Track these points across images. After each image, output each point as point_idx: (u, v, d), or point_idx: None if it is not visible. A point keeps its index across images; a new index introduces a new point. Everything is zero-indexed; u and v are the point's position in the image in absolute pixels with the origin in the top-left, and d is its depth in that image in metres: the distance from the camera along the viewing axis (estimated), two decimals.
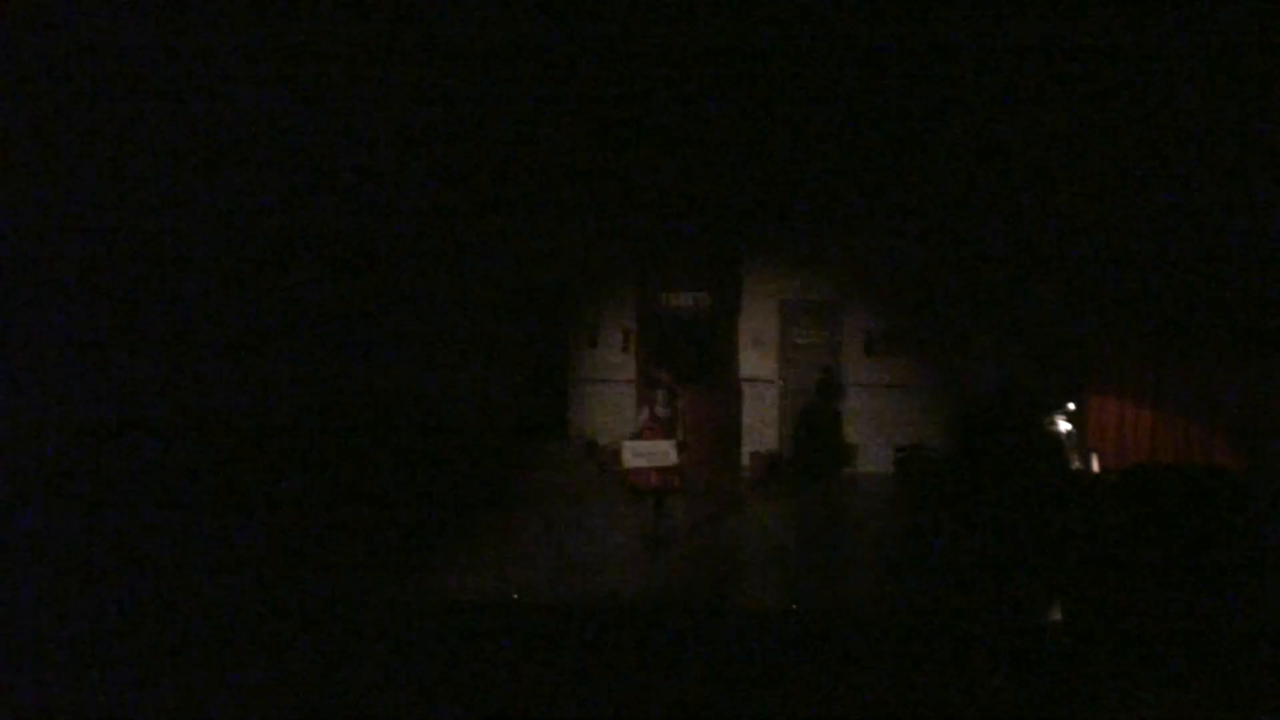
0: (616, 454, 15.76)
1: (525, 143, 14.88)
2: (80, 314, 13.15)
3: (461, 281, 16.04)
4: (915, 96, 14.20)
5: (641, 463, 13.31)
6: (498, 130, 14.76)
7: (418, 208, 15.14)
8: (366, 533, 14.01)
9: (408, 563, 13.04)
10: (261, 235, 14.68)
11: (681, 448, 13.40)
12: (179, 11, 12.89)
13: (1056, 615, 11.67)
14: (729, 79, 14.29)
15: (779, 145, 14.73)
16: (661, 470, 13.30)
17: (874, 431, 16.08)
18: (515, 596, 12.12)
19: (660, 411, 13.39)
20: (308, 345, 15.79)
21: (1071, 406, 14.26)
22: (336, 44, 13.61)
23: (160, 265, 13.90)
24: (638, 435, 13.45)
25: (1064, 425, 14.07)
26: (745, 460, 16.41)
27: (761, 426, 16.46)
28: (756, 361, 16.42)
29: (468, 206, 15.27)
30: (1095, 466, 14.38)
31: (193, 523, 14.13)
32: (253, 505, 14.65)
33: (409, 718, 9.91)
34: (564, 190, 15.19)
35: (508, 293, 16.20)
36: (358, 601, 11.97)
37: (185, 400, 14.40)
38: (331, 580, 12.48)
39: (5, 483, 12.27)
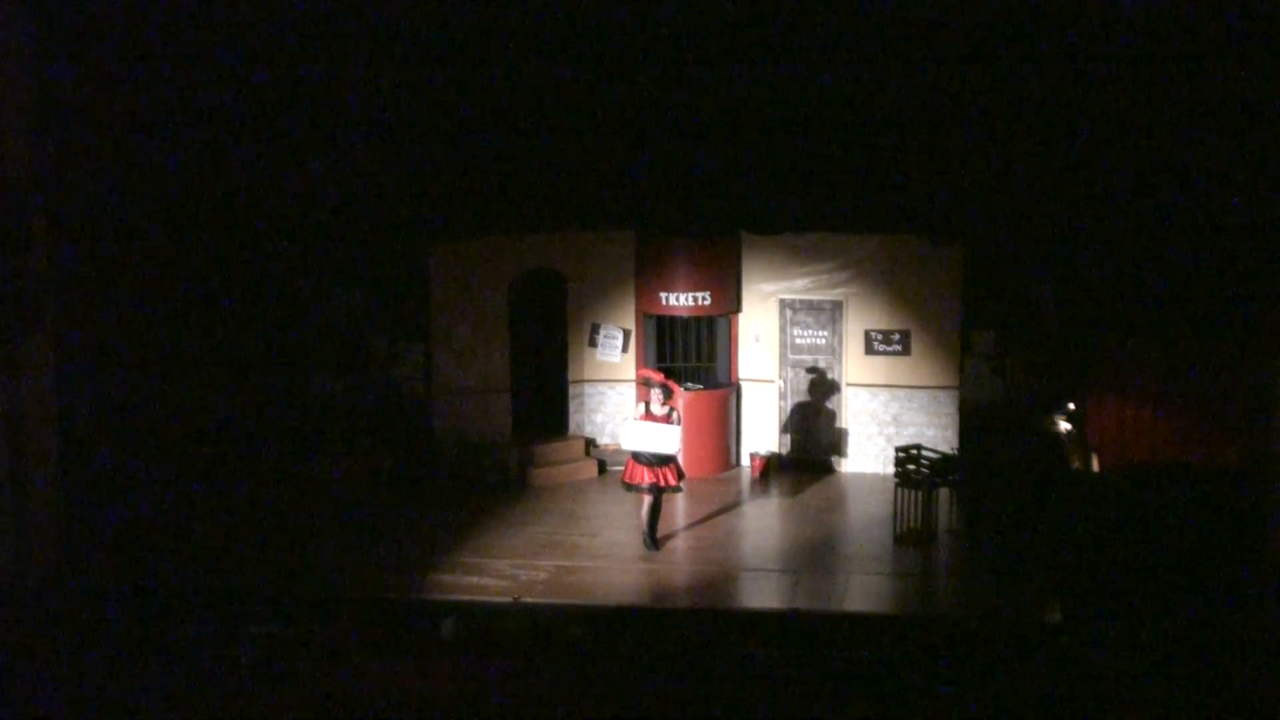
0: (616, 451, 15.77)
1: (523, 138, 14.85)
2: None
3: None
4: (915, 92, 14.16)
5: (641, 446, 13.27)
6: (496, 124, 14.74)
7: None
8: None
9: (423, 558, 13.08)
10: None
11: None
12: None
13: (1056, 615, 11.67)
14: (731, 73, 14.26)
15: (780, 143, 14.70)
16: (656, 468, 13.27)
17: (873, 431, 16.06)
18: (515, 598, 12.12)
19: (656, 410, 13.38)
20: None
21: (1071, 406, 14.26)
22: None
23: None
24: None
25: (1064, 425, 14.06)
26: (745, 460, 16.39)
27: (761, 426, 16.44)
28: (756, 361, 16.40)
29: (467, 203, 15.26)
30: (1095, 466, 14.37)
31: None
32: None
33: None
34: (563, 188, 15.17)
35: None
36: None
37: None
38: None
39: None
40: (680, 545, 13.80)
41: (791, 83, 14.33)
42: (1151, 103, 13.67)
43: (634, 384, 16.13)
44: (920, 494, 13.61)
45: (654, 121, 14.61)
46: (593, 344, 16.63)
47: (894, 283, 15.81)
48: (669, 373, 15.59)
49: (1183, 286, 14.43)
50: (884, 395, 15.98)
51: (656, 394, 13.43)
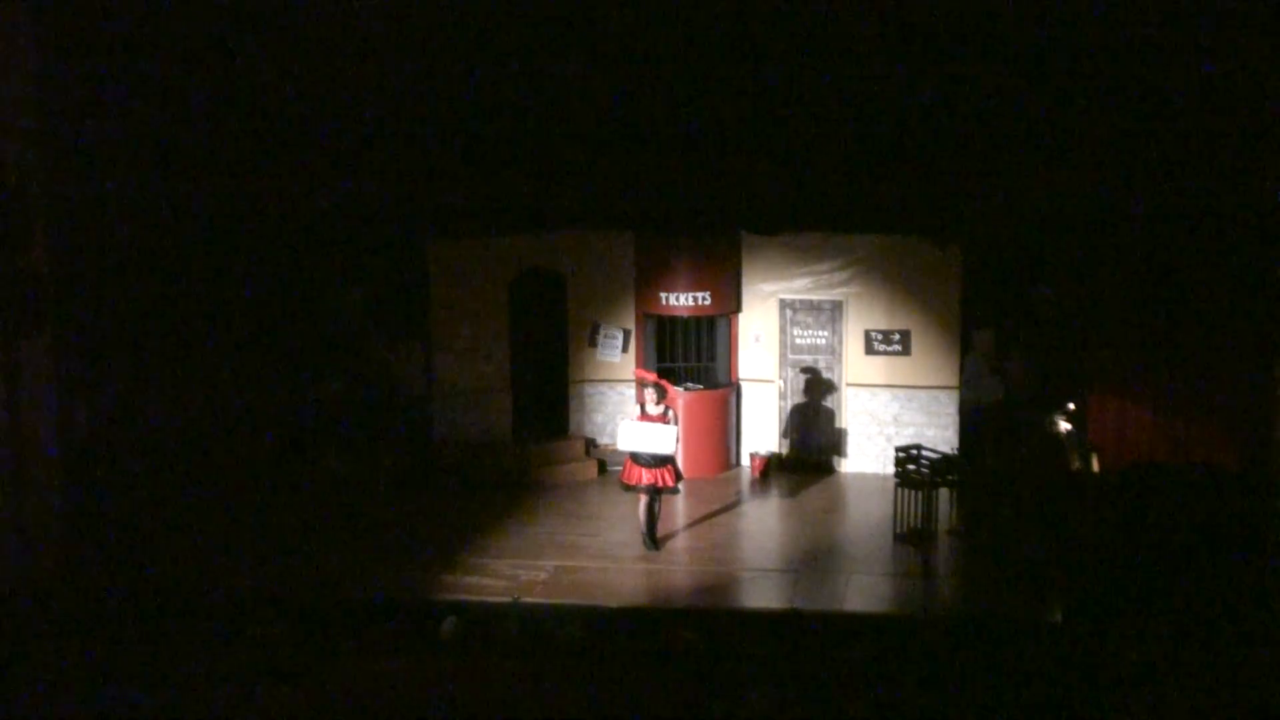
0: (616, 451, 15.76)
1: (523, 138, 14.86)
2: None
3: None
4: (914, 92, 14.18)
5: (638, 446, 13.26)
6: (496, 123, 14.75)
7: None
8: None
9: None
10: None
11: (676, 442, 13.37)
12: None
13: (1056, 615, 11.66)
14: (731, 73, 14.27)
15: (780, 143, 14.71)
16: (653, 469, 13.26)
17: (873, 431, 16.05)
18: (515, 598, 12.12)
19: (651, 410, 13.37)
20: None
21: (1071, 406, 14.26)
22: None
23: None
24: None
25: (1064, 425, 14.06)
26: (745, 460, 16.39)
27: (761, 426, 16.44)
28: (756, 361, 16.40)
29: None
30: (1095, 466, 14.36)
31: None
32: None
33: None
34: (563, 188, 15.18)
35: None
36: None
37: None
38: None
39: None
40: (680, 545, 13.80)
41: (791, 83, 14.36)
42: (1151, 101, 13.70)
43: (633, 384, 16.14)
44: (920, 494, 13.61)
45: (654, 121, 14.63)
46: (593, 344, 16.63)
47: (894, 283, 15.81)
48: (669, 373, 15.60)
49: (1183, 286, 14.44)
50: (884, 395, 15.98)
51: (651, 394, 13.42)
